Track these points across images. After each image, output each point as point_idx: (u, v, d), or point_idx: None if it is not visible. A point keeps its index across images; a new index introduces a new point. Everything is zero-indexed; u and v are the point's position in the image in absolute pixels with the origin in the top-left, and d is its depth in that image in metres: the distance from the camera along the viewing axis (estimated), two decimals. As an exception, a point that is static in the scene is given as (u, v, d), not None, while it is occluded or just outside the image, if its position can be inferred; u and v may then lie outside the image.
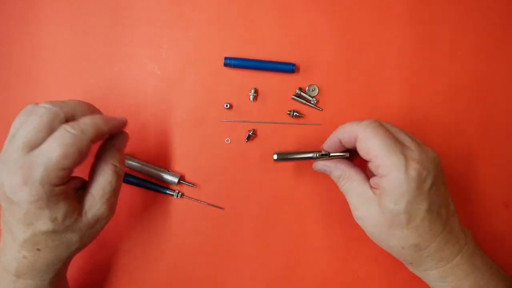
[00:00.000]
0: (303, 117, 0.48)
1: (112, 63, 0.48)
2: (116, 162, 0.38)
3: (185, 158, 0.48)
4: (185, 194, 0.48)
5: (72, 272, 0.45)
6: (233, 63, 0.47)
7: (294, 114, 0.47)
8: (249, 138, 0.48)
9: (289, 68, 0.47)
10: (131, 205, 0.48)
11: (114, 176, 0.37)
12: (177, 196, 0.47)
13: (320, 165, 0.42)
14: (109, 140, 0.39)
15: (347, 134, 0.38)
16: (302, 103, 0.48)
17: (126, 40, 0.49)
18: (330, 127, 0.48)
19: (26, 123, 0.33)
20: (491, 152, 0.48)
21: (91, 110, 0.37)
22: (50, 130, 0.33)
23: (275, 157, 0.42)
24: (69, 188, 0.34)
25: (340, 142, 0.40)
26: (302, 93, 0.48)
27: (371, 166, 0.37)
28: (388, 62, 0.49)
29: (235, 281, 0.48)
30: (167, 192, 0.47)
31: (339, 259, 0.48)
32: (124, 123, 0.39)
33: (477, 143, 0.48)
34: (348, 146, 0.39)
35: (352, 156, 0.42)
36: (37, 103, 0.35)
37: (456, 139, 0.48)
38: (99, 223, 0.37)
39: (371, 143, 0.35)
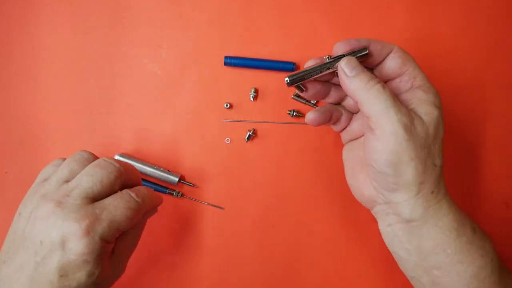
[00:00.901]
0: (303, 117, 0.48)
1: (112, 63, 0.48)
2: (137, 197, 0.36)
3: (185, 158, 0.48)
4: (185, 194, 0.48)
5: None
6: (233, 62, 0.47)
7: (294, 114, 0.47)
8: (249, 138, 0.47)
9: (289, 67, 0.47)
10: (131, 205, 0.48)
11: (137, 238, 0.38)
12: (177, 196, 0.47)
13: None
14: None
15: (381, 45, 0.35)
16: (302, 102, 0.48)
17: (126, 40, 0.49)
18: (330, 127, 0.48)
19: (91, 175, 0.33)
20: (491, 152, 0.48)
21: (138, 177, 0.39)
22: (112, 189, 0.34)
23: (287, 80, 0.36)
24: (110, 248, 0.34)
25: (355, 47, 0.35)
26: (302, 93, 0.48)
27: (399, 83, 0.36)
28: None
29: (235, 281, 0.47)
30: (167, 192, 0.47)
31: (339, 259, 0.47)
32: (161, 201, 0.40)
33: (477, 143, 0.48)
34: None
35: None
36: (104, 158, 0.36)
37: (456, 139, 0.48)
38: (115, 280, 0.36)
39: (413, 65, 0.35)
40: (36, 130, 0.48)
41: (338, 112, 0.40)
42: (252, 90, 0.48)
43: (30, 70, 0.48)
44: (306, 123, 0.48)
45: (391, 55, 0.36)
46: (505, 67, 0.49)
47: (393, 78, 0.36)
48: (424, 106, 0.34)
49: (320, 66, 0.36)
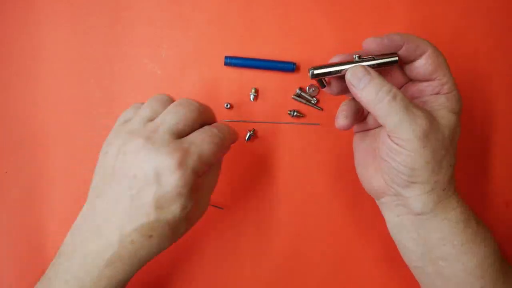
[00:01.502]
0: (303, 117, 0.48)
1: (112, 63, 0.48)
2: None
3: (185, 158, 0.48)
4: (185, 194, 0.48)
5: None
6: (233, 62, 0.47)
7: (294, 114, 0.47)
8: (249, 137, 0.47)
9: (289, 67, 0.47)
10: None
11: (217, 174, 0.38)
12: (177, 196, 0.47)
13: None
14: None
15: (415, 43, 0.34)
16: (303, 102, 0.48)
17: (126, 40, 0.49)
18: (331, 127, 0.48)
19: (175, 112, 0.34)
20: (491, 152, 0.48)
21: (214, 116, 0.39)
22: (194, 126, 0.35)
23: (312, 72, 0.35)
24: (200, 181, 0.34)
25: (387, 48, 0.34)
26: (302, 93, 0.48)
27: (427, 87, 0.35)
28: (388, 62, 0.49)
29: (235, 281, 0.47)
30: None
31: (339, 259, 0.47)
32: (237, 138, 0.39)
33: (477, 143, 0.48)
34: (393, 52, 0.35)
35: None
36: (184, 98, 0.36)
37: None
38: (200, 216, 0.37)
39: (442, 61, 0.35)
40: (36, 130, 0.48)
41: (362, 107, 0.38)
42: (253, 90, 0.48)
43: (30, 70, 0.48)
44: (306, 123, 0.48)
45: (424, 59, 0.34)
46: (505, 67, 0.49)
47: (420, 81, 0.36)
48: (443, 111, 0.34)
49: (347, 63, 0.34)
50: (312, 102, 0.48)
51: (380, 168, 0.37)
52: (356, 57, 0.34)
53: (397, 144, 0.33)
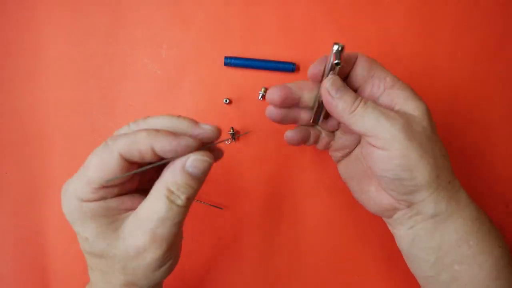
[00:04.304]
0: (303, 117, 0.48)
1: (112, 63, 0.48)
2: (172, 187, 0.28)
3: (185, 158, 0.48)
4: (185, 194, 0.48)
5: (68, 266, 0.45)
6: (233, 62, 0.47)
7: (294, 114, 0.47)
8: (234, 137, 0.47)
9: (289, 67, 0.47)
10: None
11: (164, 205, 0.28)
12: (177, 196, 0.47)
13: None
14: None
15: (346, 54, 0.34)
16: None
17: (126, 40, 0.49)
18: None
19: None
20: (491, 152, 0.48)
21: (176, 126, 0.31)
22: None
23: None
24: (102, 208, 0.29)
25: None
26: (302, 93, 0.48)
27: (372, 87, 0.36)
28: (388, 62, 0.48)
29: (235, 281, 0.47)
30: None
31: (339, 259, 0.47)
32: (210, 135, 0.31)
33: (477, 143, 0.48)
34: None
35: None
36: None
37: (456, 139, 0.48)
38: (143, 255, 0.29)
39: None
40: (36, 130, 0.48)
41: (317, 130, 0.40)
42: (262, 90, 0.47)
43: (30, 70, 0.48)
44: (306, 124, 0.48)
45: (358, 62, 0.35)
46: (505, 67, 0.49)
47: (364, 84, 0.36)
48: (409, 102, 0.34)
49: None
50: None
51: (381, 186, 0.36)
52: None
53: (384, 149, 0.32)
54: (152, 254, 0.29)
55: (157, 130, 0.29)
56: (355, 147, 0.40)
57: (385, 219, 0.38)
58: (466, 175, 0.48)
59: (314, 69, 0.35)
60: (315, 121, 0.38)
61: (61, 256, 0.47)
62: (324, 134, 0.40)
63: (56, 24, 0.49)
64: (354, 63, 0.35)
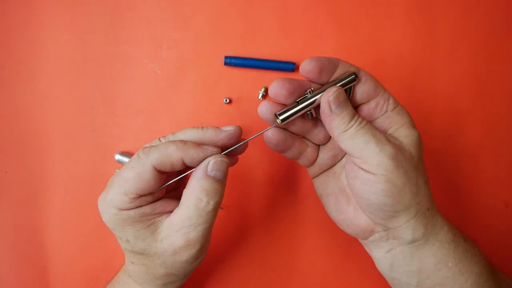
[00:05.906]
0: (303, 117, 0.48)
1: (112, 63, 0.48)
2: (201, 195, 0.32)
3: (185, 158, 0.48)
4: (185, 194, 0.48)
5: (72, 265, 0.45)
6: (233, 62, 0.47)
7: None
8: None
9: (289, 67, 0.47)
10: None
11: (195, 211, 0.32)
12: (177, 196, 0.47)
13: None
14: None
15: (349, 67, 0.33)
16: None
17: (126, 40, 0.49)
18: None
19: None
20: (491, 152, 0.48)
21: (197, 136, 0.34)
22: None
23: (281, 118, 0.33)
24: (138, 214, 0.33)
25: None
26: (302, 93, 0.48)
27: (376, 107, 0.34)
28: (387, 62, 0.49)
29: (235, 281, 0.47)
30: (167, 192, 0.47)
31: (339, 259, 0.47)
32: (231, 137, 0.34)
33: (477, 143, 0.48)
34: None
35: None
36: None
37: (456, 139, 0.48)
38: (179, 254, 0.33)
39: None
40: (36, 130, 0.48)
41: (303, 144, 0.37)
42: (262, 89, 0.48)
43: (30, 70, 0.48)
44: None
45: (363, 78, 0.34)
46: (505, 67, 0.49)
47: (367, 102, 0.34)
48: (403, 129, 0.34)
49: (309, 97, 0.33)
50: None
51: (360, 207, 0.35)
52: (309, 93, 0.33)
53: (369, 172, 0.31)
54: (188, 253, 0.33)
55: (184, 142, 0.33)
56: (336, 164, 0.38)
57: (361, 241, 0.37)
58: (466, 175, 0.48)
59: (309, 65, 0.32)
60: (284, 115, 0.33)
61: (61, 256, 0.47)
62: (311, 150, 0.37)
63: (56, 24, 0.49)
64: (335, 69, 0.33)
